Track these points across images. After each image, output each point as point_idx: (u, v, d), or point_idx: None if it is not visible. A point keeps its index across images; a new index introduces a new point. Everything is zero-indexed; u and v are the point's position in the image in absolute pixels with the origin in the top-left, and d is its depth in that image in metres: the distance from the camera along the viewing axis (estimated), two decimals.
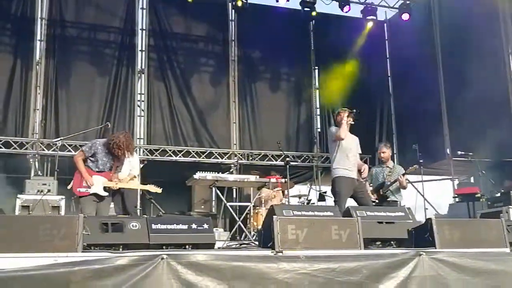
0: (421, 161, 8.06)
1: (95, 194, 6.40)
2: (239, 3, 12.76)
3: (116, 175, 6.75)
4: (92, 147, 6.49)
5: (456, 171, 12.01)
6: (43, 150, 11.24)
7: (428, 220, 5.15)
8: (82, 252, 4.07)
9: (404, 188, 7.80)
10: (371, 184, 7.94)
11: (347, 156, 6.96)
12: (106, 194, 6.47)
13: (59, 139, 8.68)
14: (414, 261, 4.51)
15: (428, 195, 8.62)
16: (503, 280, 4.75)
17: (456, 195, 9.51)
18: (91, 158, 6.47)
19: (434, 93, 12.86)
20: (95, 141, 6.67)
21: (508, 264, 4.85)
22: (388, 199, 7.71)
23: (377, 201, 7.70)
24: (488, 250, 5.00)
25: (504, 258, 4.91)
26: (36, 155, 11.21)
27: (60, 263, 3.72)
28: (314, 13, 13.63)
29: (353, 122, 7.06)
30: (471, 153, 9.04)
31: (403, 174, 7.66)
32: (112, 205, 8.32)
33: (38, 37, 12.02)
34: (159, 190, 7.34)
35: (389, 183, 7.71)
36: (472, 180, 11.69)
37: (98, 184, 6.39)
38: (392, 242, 5.34)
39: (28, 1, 11.97)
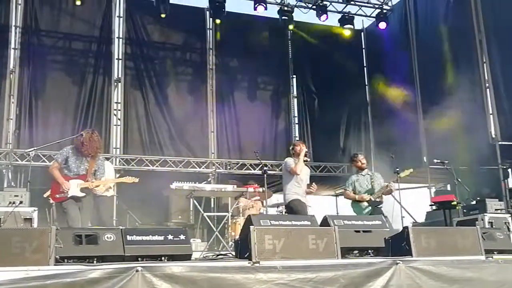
0: (397, 169, 8.12)
1: (73, 197, 6.41)
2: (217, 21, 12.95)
3: (94, 178, 6.72)
4: (63, 153, 6.61)
5: (433, 179, 12.12)
6: (17, 160, 11.04)
7: (405, 229, 5.17)
8: (55, 265, 3.99)
9: (391, 193, 8.01)
10: (353, 191, 8.11)
11: (300, 185, 7.62)
12: (83, 194, 6.49)
13: (32, 149, 8.51)
14: (391, 269, 4.53)
15: (405, 203, 8.66)
16: (479, 287, 4.79)
17: (432, 203, 9.57)
18: (65, 165, 6.54)
19: (410, 101, 12.99)
20: (65, 147, 6.75)
21: (484, 271, 4.89)
22: (379, 206, 7.87)
23: (369, 205, 7.84)
24: (464, 258, 5.04)
25: (480, 266, 4.95)
26: (9, 166, 11.01)
27: (31, 276, 3.63)
28: (291, 22, 13.71)
29: (308, 160, 7.86)
30: (447, 161, 9.11)
31: (394, 181, 7.98)
32: None
33: (12, 45, 11.84)
34: (136, 180, 7.32)
35: (377, 190, 7.93)
36: (448, 187, 11.81)
37: (74, 187, 6.43)
38: (369, 251, 5.35)
39: (2, 8, 11.79)
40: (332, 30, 14.49)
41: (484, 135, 11.08)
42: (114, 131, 12.40)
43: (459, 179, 8.98)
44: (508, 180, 10.13)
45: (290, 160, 7.77)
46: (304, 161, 7.72)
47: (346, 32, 14.26)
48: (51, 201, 6.57)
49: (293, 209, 7.51)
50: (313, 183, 7.76)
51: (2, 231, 4.88)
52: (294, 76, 14.53)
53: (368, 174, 8.17)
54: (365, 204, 7.89)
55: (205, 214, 8.63)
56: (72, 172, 6.51)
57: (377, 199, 7.92)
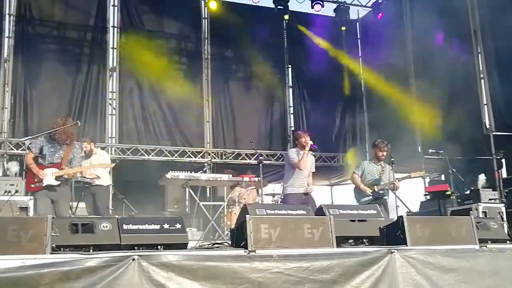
0: (392, 159, 8.15)
1: (48, 186, 6.33)
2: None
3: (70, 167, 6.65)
4: (37, 142, 6.51)
5: (427, 168, 12.17)
6: (12, 149, 11.00)
7: (400, 218, 5.19)
8: (51, 254, 3.98)
9: (395, 190, 7.99)
10: (361, 176, 8.16)
11: (299, 177, 7.60)
12: (58, 183, 6.38)
13: (27, 138, 8.49)
14: (386, 258, 4.55)
15: (400, 192, 8.70)
16: (473, 276, 4.83)
17: (427, 193, 9.63)
18: (40, 154, 6.43)
19: (405, 91, 13.00)
20: (39, 136, 6.62)
21: (478, 260, 4.93)
22: (383, 197, 7.89)
23: (371, 196, 7.86)
24: (458, 247, 5.07)
25: (474, 255, 4.98)
26: (5, 155, 10.97)
27: (27, 265, 3.62)
28: (287, 12, 13.67)
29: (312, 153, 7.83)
30: (441, 151, 9.15)
31: (402, 179, 7.98)
32: (84, 205, 8.24)
33: (6, 34, 11.75)
34: (111, 165, 7.51)
35: (383, 183, 7.96)
36: (443, 177, 11.86)
37: (49, 175, 6.34)
38: (364, 240, 5.37)
39: None
40: (328, 20, 14.47)
41: (478, 125, 11.12)
42: (109, 120, 12.38)
43: (453, 169, 9.03)
44: (502, 170, 10.20)
45: (293, 153, 7.69)
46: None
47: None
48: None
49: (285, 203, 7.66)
50: (311, 187, 7.79)
51: None
52: (290, 66, 14.51)
53: (380, 165, 8.21)
54: (367, 193, 7.92)
55: (201, 204, 8.64)
56: (46, 161, 6.41)
57: (380, 191, 7.96)
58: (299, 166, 7.49)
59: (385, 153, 8.20)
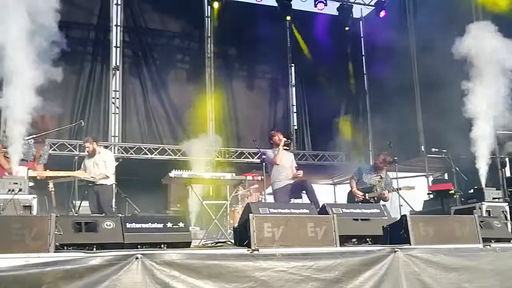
0: (395, 157, 8.14)
1: None
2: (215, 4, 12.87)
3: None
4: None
5: (431, 167, 12.15)
6: None
7: (403, 217, 5.18)
8: (54, 252, 4.00)
9: (385, 201, 8.03)
10: (358, 181, 8.34)
11: (281, 173, 8.04)
12: (31, 184, 6.16)
13: (31, 137, 8.47)
14: (390, 257, 4.56)
15: (403, 191, 8.69)
16: (476, 275, 4.83)
17: (430, 192, 9.60)
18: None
19: (408, 90, 12.97)
20: (33, 137, 6.42)
21: (481, 259, 4.93)
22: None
23: (360, 202, 7.92)
24: (461, 246, 5.06)
25: (477, 254, 4.98)
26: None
27: (31, 263, 3.64)
28: (290, 11, 13.66)
29: (287, 148, 8.30)
30: (445, 150, 9.13)
31: (392, 190, 8.08)
32: (87, 204, 8.24)
33: None
34: (88, 176, 7.59)
35: (375, 191, 8.08)
36: (446, 176, 11.82)
37: (23, 175, 6.04)
38: (367, 239, 5.37)
39: None
40: (331, 19, 14.46)
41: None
42: (112, 119, 12.39)
43: (457, 168, 9.01)
44: (506, 169, 10.16)
45: (269, 153, 8.13)
46: (285, 149, 8.07)
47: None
48: None
49: (275, 199, 8.06)
50: (300, 170, 8.09)
51: (2, 218, 4.87)
52: (293, 64, 14.50)
53: (380, 175, 8.25)
54: (359, 198, 8.00)
55: (204, 202, 8.64)
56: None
57: (371, 200, 8.01)
58: (275, 161, 7.91)
59: (381, 161, 8.25)
